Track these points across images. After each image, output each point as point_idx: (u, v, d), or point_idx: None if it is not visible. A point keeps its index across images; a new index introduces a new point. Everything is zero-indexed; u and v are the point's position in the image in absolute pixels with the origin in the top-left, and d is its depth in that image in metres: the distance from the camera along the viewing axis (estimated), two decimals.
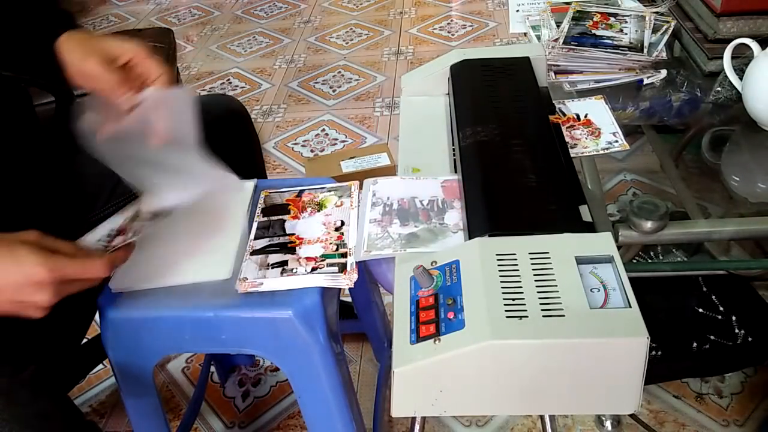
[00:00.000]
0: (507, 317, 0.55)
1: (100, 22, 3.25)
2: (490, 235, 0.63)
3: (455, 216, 0.72)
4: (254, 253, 0.81)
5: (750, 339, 0.95)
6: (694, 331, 0.97)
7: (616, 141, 0.85)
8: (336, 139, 2.14)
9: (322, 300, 0.76)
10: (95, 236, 0.76)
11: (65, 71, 0.81)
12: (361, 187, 0.88)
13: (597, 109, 0.92)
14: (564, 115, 0.91)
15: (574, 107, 0.93)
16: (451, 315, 0.58)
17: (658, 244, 1.18)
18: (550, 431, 0.77)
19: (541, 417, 0.77)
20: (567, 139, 0.85)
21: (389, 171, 1.74)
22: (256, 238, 0.83)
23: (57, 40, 0.80)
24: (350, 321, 1.24)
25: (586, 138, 0.86)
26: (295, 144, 2.15)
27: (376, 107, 2.28)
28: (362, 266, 0.79)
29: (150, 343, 0.80)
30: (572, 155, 0.84)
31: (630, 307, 0.56)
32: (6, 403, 0.63)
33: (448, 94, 0.93)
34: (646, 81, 1.05)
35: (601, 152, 0.84)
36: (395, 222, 0.71)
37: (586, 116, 0.90)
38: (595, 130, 0.87)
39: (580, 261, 0.60)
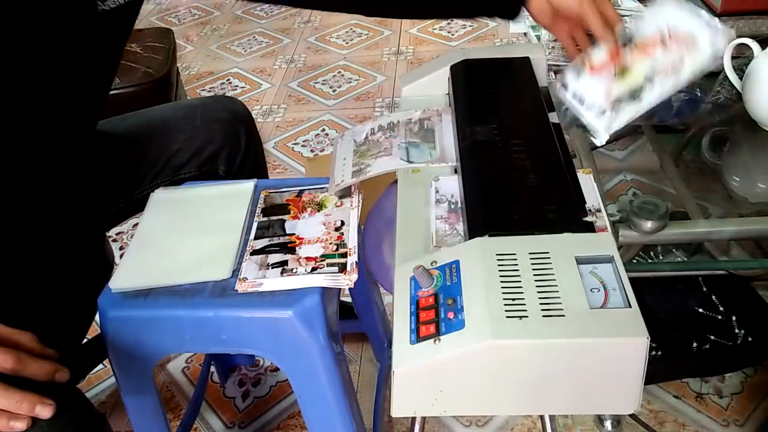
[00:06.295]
0: (507, 317, 0.55)
1: None
2: (490, 235, 0.63)
3: None
4: (254, 253, 0.81)
5: (750, 339, 0.95)
6: (694, 331, 0.97)
7: None
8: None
9: (322, 300, 0.76)
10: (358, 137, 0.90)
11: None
12: (361, 187, 0.88)
13: None
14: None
15: None
16: (451, 315, 0.58)
17: (658, 244, 1.18)
18: (550, 431, 0.77)
19: (541, 417, 0.77)
20: None
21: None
22: (256, 238, 0.83)
23: None
24: (350, 321, 1.24)
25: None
26: (295, 144, 2.15)
27: (376, 107, 2.28)
28: (362, 266, 0.79)
29: (150, 343, 0.80)
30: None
31: (630, 307, 0.56)
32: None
33: (448, 94, 0.93)
34: None
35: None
36: (462, 220, 0.72)
37: None
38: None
39: (580, 261, 0.60)
